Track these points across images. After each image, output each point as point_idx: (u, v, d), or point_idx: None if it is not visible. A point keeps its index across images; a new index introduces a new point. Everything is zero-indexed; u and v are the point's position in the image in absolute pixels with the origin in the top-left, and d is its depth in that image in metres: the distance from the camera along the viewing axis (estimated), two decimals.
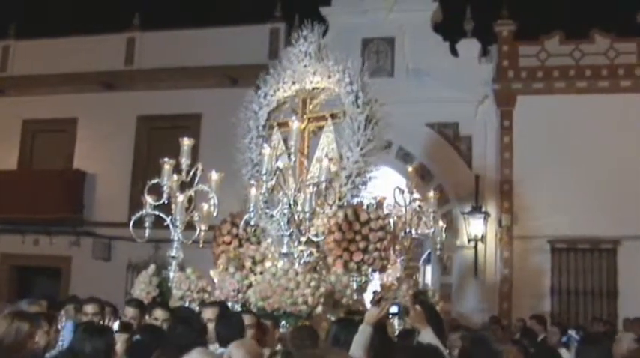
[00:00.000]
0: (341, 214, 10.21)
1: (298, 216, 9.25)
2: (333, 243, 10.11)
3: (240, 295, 9.35)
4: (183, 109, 19.57)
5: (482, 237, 16.96)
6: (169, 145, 18.86)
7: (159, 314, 7.91)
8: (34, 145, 21.52)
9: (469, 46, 18.12)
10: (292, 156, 9.86)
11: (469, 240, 16.99)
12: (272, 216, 9.91)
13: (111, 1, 22.36)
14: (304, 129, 11.08)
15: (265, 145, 10.16)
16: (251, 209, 9.63)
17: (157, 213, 10.59)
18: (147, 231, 10.52)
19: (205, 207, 10.88)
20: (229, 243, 11.18)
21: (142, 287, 10.20)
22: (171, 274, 10.44)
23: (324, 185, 9.68)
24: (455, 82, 17.00)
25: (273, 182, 9.41)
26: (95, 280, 18.03)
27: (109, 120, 20.22)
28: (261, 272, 9.64)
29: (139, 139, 20.43)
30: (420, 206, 11.90)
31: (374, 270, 10.36)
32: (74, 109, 20.61)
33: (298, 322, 8.43)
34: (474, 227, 16.92)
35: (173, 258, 10.55)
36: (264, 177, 9.45)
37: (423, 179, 17.11)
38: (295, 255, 9.53)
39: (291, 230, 9.37)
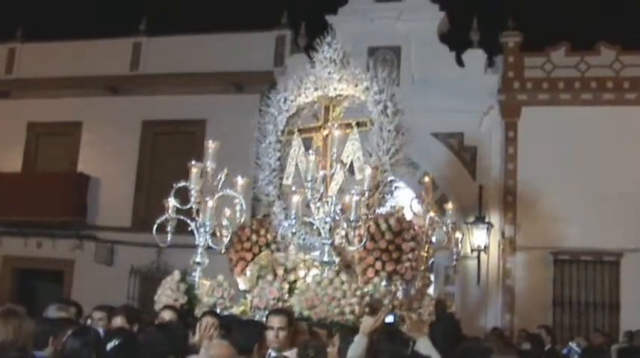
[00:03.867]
0: (372, 223, 10.14)
1: (347, 225, 9.24)
2: (365, 251, 10.03)
3: (280, 303, 9.24)
4: (188, 115, 19.58)
5: (485, 247, 16.95)
6: (174, 150, 19.14)
7: (211, 321, 7.76)
8: (38, 148, 21.51)
9: (475, 57, 18.13)
10: (335, 164, 9.86)
11: (472, 250, 16.98)
12: (312, 223, 9.89)
13: (117, 6, 22.40)
14: (327, 136, 11.04)
15: (311, 152, 10.11)
16: (293, 216, 9.61)
17: (181, 217, 10.45)
18: (169, 236, 10.36)
19: (228, 212, 10.77)
20: (249, 250, 11.06)
21: (169, 294, 9.97)
22: (196, 280, 10.27)
23: (366, 194, 9.67)
24: (460, 92, 17.01)
25: (322, 189, 9.42)
26: (97, 284, 18.09)
27: (114, 125, 20.24)
28: (294, 281, 9.58)
29: (143, 144, 20.44)
30: (438, 216, 11.89)
31: (404, 280, 10.29)
32: (79, 113, 20.63)
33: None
34: (477, 237, 16.91)
35: (198, 263, 10.37)
36: (308, 184, 9.45)
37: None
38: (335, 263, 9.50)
39: (333, 238, 9.36)
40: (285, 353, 6.85)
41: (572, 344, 12.55)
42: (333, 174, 10.29)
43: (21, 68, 21.60)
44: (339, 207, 9.41)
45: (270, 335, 7.05)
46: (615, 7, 18.52)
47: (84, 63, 20.42)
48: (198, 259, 10.39)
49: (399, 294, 10.19)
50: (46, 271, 20.79)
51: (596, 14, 18.63)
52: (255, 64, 19.14)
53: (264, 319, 8.57)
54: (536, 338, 11.26)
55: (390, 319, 6.21)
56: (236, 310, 9.77)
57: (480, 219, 17.01)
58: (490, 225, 17.04)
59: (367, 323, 6.24)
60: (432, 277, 17.01)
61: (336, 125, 10.57)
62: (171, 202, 10.37)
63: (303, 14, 19.22)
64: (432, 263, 16.46)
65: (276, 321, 7.15)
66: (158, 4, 21.05)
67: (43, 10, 22.49)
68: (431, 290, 16.74)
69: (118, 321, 7.78)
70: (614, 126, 16.98)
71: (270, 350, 7.04)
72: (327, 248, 9.40)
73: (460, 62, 18.15)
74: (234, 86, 19.46)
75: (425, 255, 11.30)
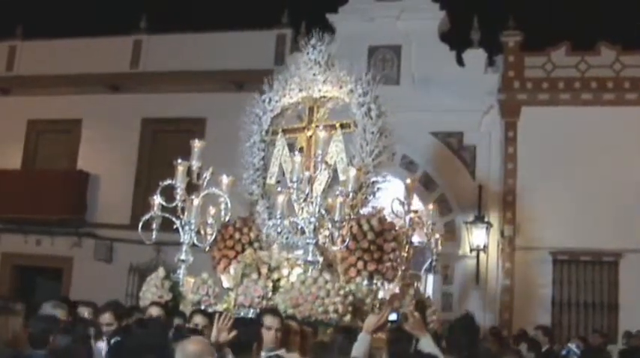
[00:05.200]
0: (355, 224, 10.17)
1: (331, 225, 9.26)
2: (347, 251, 10.06)
3: (264, 301, 9.27)
4: (188, 113, 19.57)
5: (485, 246, 16.93)
6: (173, 148, 19.05)
7: (199, 320, 7.69)
8: (38, 145, 21.54)
9: (475, 56, 18.12)
10: (320, 165, 9.88)
11: (471, 250, 16.97)
12: (296, 223, 9.95)
13: (118, 4, 22.40)
14: (311, 136, 11.07)
15: (297, 153, 10.17)
16: (278, 216, 9.66)
17: (166, 215, 10.47)
18: (154, 233, 10.40)
19: (213, 210, 10.79)
20: (232, 248, 11.10)
21: (154, 291, 10.00)
22: (181, 278, 10.30)
23: (351, 195, 9.69)
24: (460, 91, 16.99)
25: (307, 190, 9.43)
26: (96, 282, 18.07)
27: (114, 122, 20.22)
28: (278, 279, 9.61)
29: (142, 142, 20.45)
30: (419, 217, 11.91)
31: (386, 280, 10.33)
32: (79, 110, 20.63)
33: (327, 330, 8.44)
34: (476, 236, 16.90)
35: (182, 261, 10.41)
36: (294, 185, 9.49)
37: (426, 188, 17.13)
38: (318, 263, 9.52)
39: (317, 238, 9.37)
40: (274, 353, 6.84)
41: (572, 345, 12.53)
42: (316, 175, 10.30)
43: (21, 65, 21.61)
44: (323, 207, 9.45)
45: (269, 335, 6.97)
46: (616, 7, 18.50)
47: (84, 60, 20.41)
48: (182, 257, 10.46)
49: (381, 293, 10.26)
50: (45, 268, 20.79)
51: (597, 14, 18.62)
52: (255, 62, 19.08)
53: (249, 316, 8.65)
54: (532, 341, 11.27)
55: (393, 317, 6.17)
56: (219, 307, 9.79)
57: (480, 219, 16.99)
58: (489, 225, 17.03)
59: (370, 321, 6.20)
60: (431, 277, 17.09)
61: (322, 126, 10.59)
62: (157, 200, 10.40)
63: (303, 13, 19.19)
64: (431, 262, 16.52)
65: (275, 322, 7.10)
66: (159, 2, 21.05)
67: (43, 8, 22.48)
68: (429, 289, 16.83)
69: (107, 318, 7.77)
70: (614, 127, 16.94)
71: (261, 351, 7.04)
72: (311, 247, 9.46)
73: (460, 61, 18.13)
74: (234, 85, 19.43)
75: (405, 255, 11.33)
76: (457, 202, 17.35)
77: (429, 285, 17.30)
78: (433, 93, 17.12)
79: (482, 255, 17.02)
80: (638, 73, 17.42)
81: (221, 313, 7.64)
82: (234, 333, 6.45)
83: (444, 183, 17.51)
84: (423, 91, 17.24)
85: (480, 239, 16.90)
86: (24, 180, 20.71)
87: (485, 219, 17.06)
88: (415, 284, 12.32)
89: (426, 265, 16.76)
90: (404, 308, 9.97)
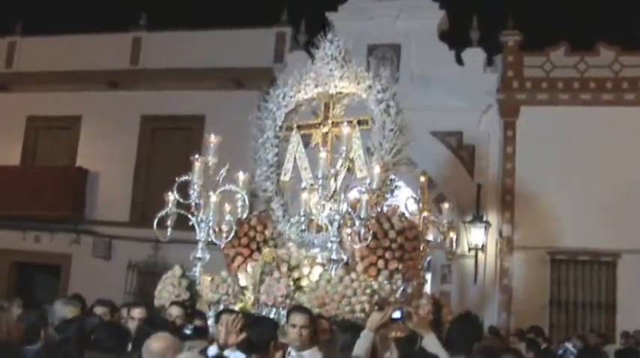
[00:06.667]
0: (375, 222, 10.09)
1: (358, 223, 9.20)
2: (367, 249, 9.97)
3: (287, 300, 9.14)
4: (187, 110, 19.58)
5: (483, 246, 16.95)
6: (172, 146, 19.15)
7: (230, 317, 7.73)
8: (37, 142, 21.56)
9: (474, 56, 18.13)
10: (344, 162, 9.82)
11: (469, 249, 16.98)
12: (310, 220, 9.93)
13: (118, 0, 22.40)
14: (327, 133, 11.01)
15: (322, 149, 10.07)
16: (302, 213, 9.61)
17: (181, 211, 10.34)
18: (169, 231, 10.21)
19: (229, 207, 10.71)
20: (247, 246, 10.98)
21: (171, 290, 9.89)
22: (197, 276, 10.17)
23: (376, 193, 9.64)
24: (459, 90, 17.01)
25: (333, 187, 9.36)
26: (95, 279, 18.08)
27: (113, 119, 20.23)
28: (298, 278, 9.53)
29: (142, 139, 20.46)
30: (436, 216, 11.89)
31: (406, 279, 10.25)
32: (78, 107, 20.65)
33: None
34: (474, 236, 16.91)
35: (199, 259, 10.29)
36: (320, 181, 9.43)
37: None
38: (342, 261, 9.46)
39: (341, 236, 9.33)
40: (305, 353, 6.82)
41: (569, 345, 12.56)
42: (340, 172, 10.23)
43: (21, 62, 21.63)
44: (346, 204, 9.37)
45: (293, 333, 6.93)
46: (615, 7, 18.53)
47: (84, 57, 20.40)
48: (199, 254, 10.30)
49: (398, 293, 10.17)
50: (43, 265, 20.80)
51: (596, 14, 18.65)
52: (254, 60, 19.12)
53: (272, 316, 8.62)
54: (531, 340, 11.30)
55: (397, 315, 6.12)
56: (236, 306, 9.72)
57: (478, 218, 17.00)
58: (488, 224, 17.04)
59: (374, 318, 6.19)
60: (429, 276, 17.07)
61: (345, 123, 10.50)
62: (172, 196, 10.30)
63: (303, 11, 19.24)
64: (429, 261, 16.51)
65: (299, 319, 7.01)
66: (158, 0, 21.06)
67: (43, 4, 22.49)
68: (427, 288, 16.80)
69: (137, 312, 7.83)
70: (613, 127, 16.97)
71: (289, 349, 6.93)
72: (335, 245, 9.32)
73: (460, 61, 18.13)
74: (233, 82, 19.45)
75: (422, 254, 11.29)
76: (456, 202, 17.33)
77: (427, 284, 17.32)
78: (432, 92, 17.11)
79: (480, 254, 17.03)
80: (636, 73, 17.44)
81: (226, 312, 7.60)
82: (243, 336, 6.40)
83: (442, 182, 17.51)
84: (422, 90, 17.19)
85: (478, 238, 16.91)
86: (23, 177, 20.72)
87: (484, 219, 17.07)
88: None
89: (424, 263, 16.80)
90: (421, 308, 9.95)
